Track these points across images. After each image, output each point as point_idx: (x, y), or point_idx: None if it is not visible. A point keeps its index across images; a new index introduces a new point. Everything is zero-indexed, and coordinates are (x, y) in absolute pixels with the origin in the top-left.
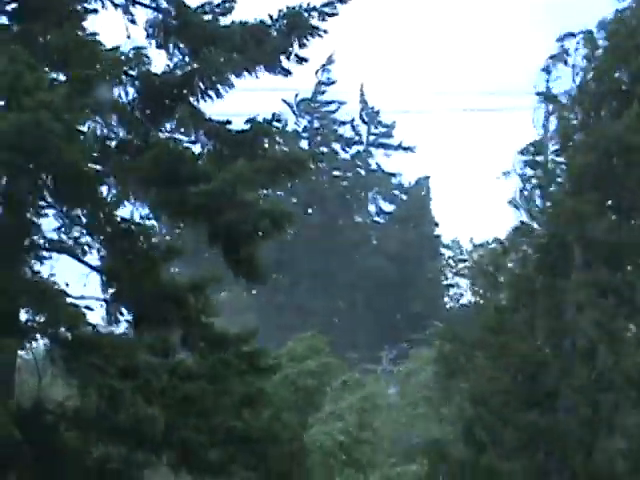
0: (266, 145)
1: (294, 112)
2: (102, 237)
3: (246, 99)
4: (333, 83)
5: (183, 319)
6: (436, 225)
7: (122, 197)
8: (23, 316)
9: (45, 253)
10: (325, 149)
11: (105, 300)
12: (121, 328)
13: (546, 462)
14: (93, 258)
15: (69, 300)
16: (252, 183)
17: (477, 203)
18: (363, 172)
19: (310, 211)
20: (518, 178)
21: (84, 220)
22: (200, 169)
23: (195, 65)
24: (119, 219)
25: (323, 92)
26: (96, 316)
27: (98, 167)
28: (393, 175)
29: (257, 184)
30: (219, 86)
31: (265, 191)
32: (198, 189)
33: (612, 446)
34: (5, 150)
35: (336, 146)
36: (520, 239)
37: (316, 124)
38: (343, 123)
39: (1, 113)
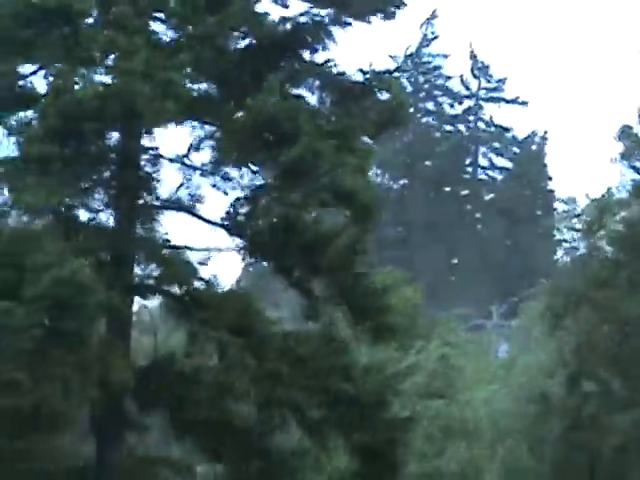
0: (378, 96)
1: (399, 68)
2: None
3: (352, 55)
4: (436, 38)
5: (317, 268)
6: (550, 180)
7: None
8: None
9: (161, 210)
10: (431, 104)
11: (234, 249)
12: (234, 283)
13: None
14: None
15: (183, 256)
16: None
17: (591, 157)
18: (474, 126)
19: (420, 166)
20: (630, 135)
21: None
22: (295, 129)
23: (304, 17)
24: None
25: (427, 45)
26: (210, 271)
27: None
28: (505, 129)
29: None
30: (326, 38)
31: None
32: (290, 150)
33: None
34: (93, 120)
35: (442, 100)
36: (630, 196)
37: (421, 79)
38: (449, 78)
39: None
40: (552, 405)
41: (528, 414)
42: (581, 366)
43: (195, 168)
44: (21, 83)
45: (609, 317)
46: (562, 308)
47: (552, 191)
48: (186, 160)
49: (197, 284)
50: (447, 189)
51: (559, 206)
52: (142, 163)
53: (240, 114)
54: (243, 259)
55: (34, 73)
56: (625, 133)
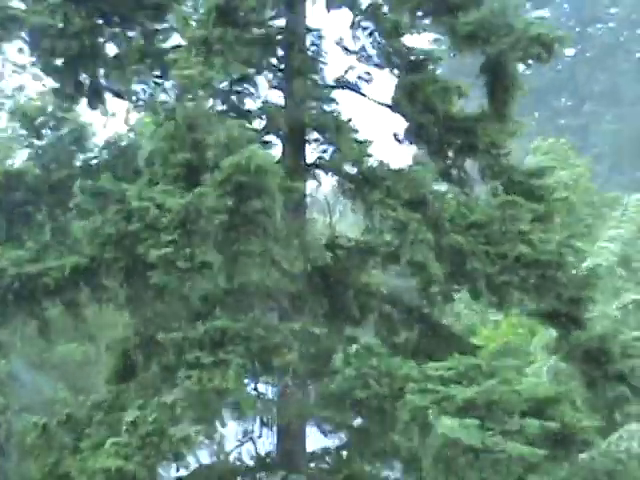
0: None
1: None
2: (391, 68)
3: None
4: None
5: (471, 148)
6: None
7: (400, 27)
8: (310, 155)
9: (330, 90)
10: None
11: (394, 134)
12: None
13: None
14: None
15: (356, 134)
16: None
17: None
18: None
19: (591, 30)
20: None
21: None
22: None
23: None
24: (407, 49)
25: None
26: (381, 150)
27: None
28: None
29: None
30: None
31: (541, 13)
32: (468, 18)
33: None
34: None
35: None
36: None
37: None
38: None
39: None
40: None
41: None
42: None
43: (353, 52)
44: None
45: None
46: None
47: None
48: (347, 43)
49: (370, 162)
50: (621, 52)
51: None
52: (308, 45)
53: None
54: (401, 141)
55: None
56: None
